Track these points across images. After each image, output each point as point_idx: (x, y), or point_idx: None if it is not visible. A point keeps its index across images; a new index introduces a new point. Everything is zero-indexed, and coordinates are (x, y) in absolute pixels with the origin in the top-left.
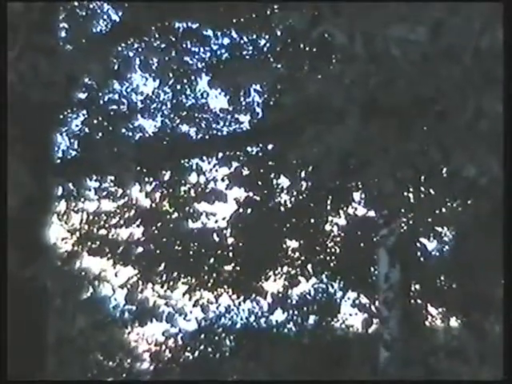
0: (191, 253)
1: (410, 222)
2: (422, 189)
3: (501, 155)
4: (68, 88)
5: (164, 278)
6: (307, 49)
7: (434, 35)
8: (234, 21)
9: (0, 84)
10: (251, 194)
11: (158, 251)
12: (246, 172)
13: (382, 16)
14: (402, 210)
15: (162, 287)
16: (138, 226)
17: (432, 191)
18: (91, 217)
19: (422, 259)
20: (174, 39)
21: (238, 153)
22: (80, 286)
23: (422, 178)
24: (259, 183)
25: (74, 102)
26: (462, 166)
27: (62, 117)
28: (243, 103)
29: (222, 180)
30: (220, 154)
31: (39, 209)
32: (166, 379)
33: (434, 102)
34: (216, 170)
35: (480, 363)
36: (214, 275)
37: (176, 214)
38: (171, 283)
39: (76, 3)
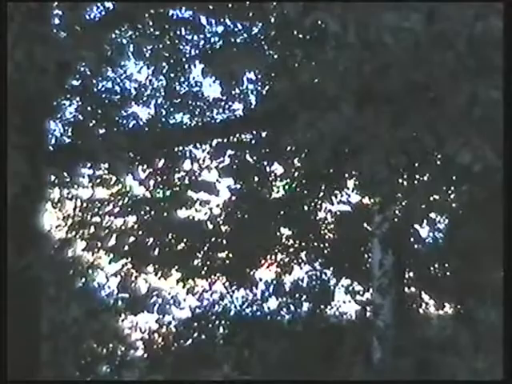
0: (185, 240)
1: (404, 209)
2: (416, 175)
3: (495, 142)
4: (61, 75)
5: (157, 266)
6: (301, 36)
7: (428, 22)
8: (228, 7)
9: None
10: (244, 181)
11: (151, 239)
12: (239, 159)
13: (375, 3)
14: (396, 197)
15: (155, 275)
16: (131, 213)
17: (426, 178)
18: (85, 204)
19: (415, 246)
20: (167, 26)
21: (231, 140)
22: (73, 274)
23: (416, 164)
24: (252, 170)
25: (67, 90)
26: (456, 152)
27: (55, 104)
28: (237, 90)
29: (216, 168)
30: (214, 142)
31: (33, 197)
32: (166, 379)
33: (428, 88)
34: (210, 158)
35: (474, 351)
36: (208, 263)
37: (169, 202)
38: (165, 271)
39: None
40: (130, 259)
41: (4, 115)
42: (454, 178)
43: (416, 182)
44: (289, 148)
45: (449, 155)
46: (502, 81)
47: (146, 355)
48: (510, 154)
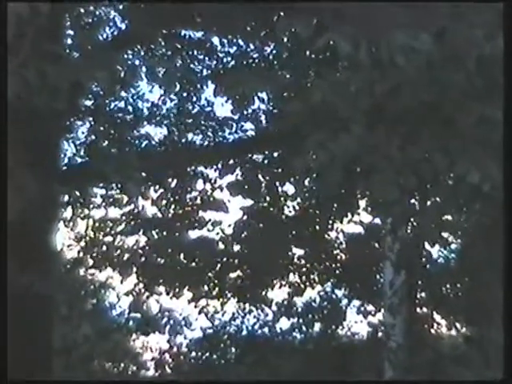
0: (196, 260)
1: (416, 229)
2: (428, 196)
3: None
4: (74, 95)
5: (169, 286)
6: (313, 56)
7: (438, 42)
8: (240, 28)
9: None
10: (256, 201)
11: (163, 259)
12: (251, 179)
13: (386, 24)
14: (407, 217)
15: (167, 295)
16: (143, 233)
17: (437, 198)
18: (97, 224)
19: (427, 266)
20: (179, 47)
21: (243, 160)
22: (85, 294)
23: (428, 184)
24: (264, 191)
25: (80, 110)
26: (466, 172)
27: (68, 124)
28: (249, 110)
29: (227, 188)
30: (226, 162)
31: (46, 216)
32: (166, 379)
33: (439, 108)
34: (221, 178)
35: (485, 371)
36: (220, 283)
37: (182, 222)
38: (176, 291)
39: (82, 10)
40: (141, 279)
41: (4, 128)
42: (464, 197)
43: (427, 202)
44: (300, 168)
45: (459, 175)
46: (503, 89)
47: (157, 375)
48: (510, 171)
